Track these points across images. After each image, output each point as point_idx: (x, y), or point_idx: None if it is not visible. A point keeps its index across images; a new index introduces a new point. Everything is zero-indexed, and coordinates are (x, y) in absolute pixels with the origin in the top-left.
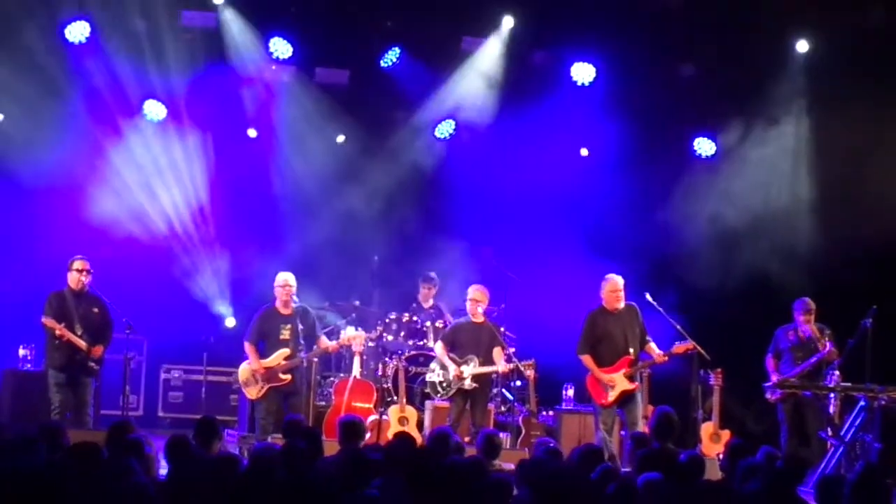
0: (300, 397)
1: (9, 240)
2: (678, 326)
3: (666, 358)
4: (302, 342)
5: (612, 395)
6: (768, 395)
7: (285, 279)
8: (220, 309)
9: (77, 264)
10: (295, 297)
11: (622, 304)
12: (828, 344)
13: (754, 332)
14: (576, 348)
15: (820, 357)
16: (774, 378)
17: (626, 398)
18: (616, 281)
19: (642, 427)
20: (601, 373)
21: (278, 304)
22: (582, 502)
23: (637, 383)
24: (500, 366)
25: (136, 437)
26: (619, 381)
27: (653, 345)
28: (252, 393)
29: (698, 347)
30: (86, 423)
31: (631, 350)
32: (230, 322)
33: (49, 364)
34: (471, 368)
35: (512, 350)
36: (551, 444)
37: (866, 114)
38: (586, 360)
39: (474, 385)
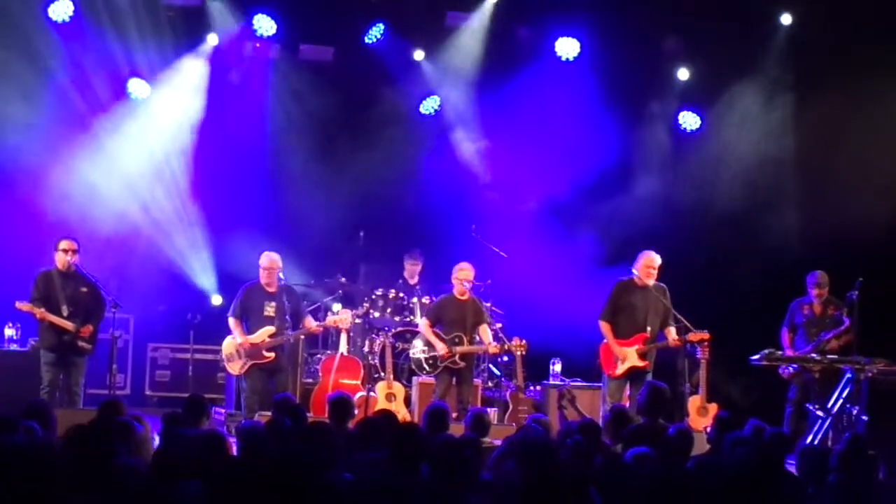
0: (286, 374)
1: None
2: (679, 316)
3: (680, 343)
4: (288, 320)
5: (620, 368)
6: (781, 372)
7: (272, 260)
8: (206, 287)
9: (63, 244)
10: (281, 275)
11: (652, 281)
12: (846, 320)
13: (741, 305)
14: (600, 313)
15: (836, 333)
16: (789, 353)
17: (635, 375)
18: (654, 258)
19: None
20: (615, 344)
21: (262, 281)
22: (569, 477)
23: (648, 362)
24: (490, 346)
25: (124, 420)
26: (630, 356)
27: (672, 329)
28: (235, 368)
29: (692, 338)
30: (76, 403)
31: (649, 328)
32: (216, 300)
33: (40, 344)
34: (458, 348)
35: (499, 325)
36: (543, 418)
37: (851, 86)
38: (604, 327)
39: (461, 363)
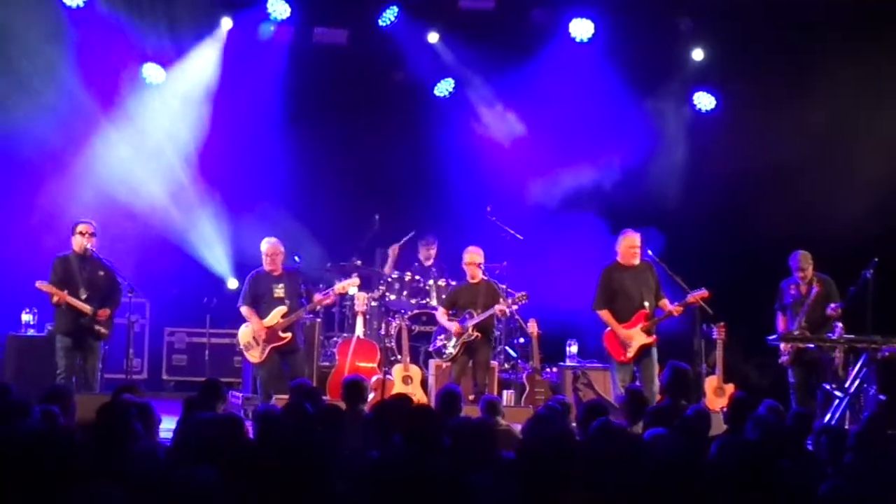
0: (301, 355)
1: (10, 205)
2: (679, 279)
3: (681, 309)
4: (298, 300)
5: (631, 351)
6: (781, 360)
7: (273, 245)
8: (221, 271)
9: (80, 227)
10: (296, 258)
11: (637, 260)
12: (813, 288)
13: (757, 285)
14: (592, 304)
15: (808, 306)
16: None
17: (641, 354)
18: (634, 237)
19: (657, 384)
20: (620, 328)
21: (267, 266)
22: (583, 459)
23: (654, 337)
24: (498, 307)
25: (142, 401)
26: (636, 336)
27: (665, 301)
28: (255, 356)
29: (701, 302)
30: (92, 388)
31: (646, 304)
32: (232, 283)
33: (56, 329)
34: (469, 322)
35: (515, 307)
36: (563, 399)
37: (866, 63)
38: (605, 315)
39: (476, 335)
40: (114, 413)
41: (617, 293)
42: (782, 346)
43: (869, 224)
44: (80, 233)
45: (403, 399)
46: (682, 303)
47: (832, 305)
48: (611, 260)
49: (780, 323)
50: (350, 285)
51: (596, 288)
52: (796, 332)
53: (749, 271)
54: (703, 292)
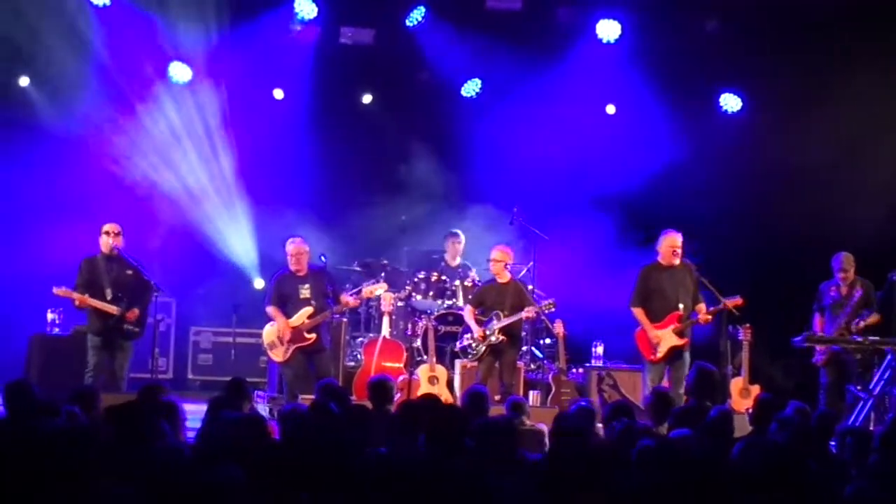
0: (326, 355)
1: (38, 203)
2: (713, 288)
3: (710, 318)
4: (325, 300)
5: (661, 352)
6: (815, 360)
7: (299, 246)
8: (248, 270)
9: (107, 227)
10: (323, 258)
11: (678, 261)
12: (857, 292)
13: (783, 287)
14: (629, 301)
15: (851, 308)
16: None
17: (673, 355)
18: (675, 237)
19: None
20: (652, 328)
21: (292, 267)
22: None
23: (686, 339)
24: (526, 312)
25: (168, 400)
26: (667, 337)
27: (702, 305)
28: (278, 355)
29: (727, 305)
30: (119, 388)
31: (681, 306)
32: (258, 283)
33: (88, 328)
34: (496, 324)
35: (551, 301)
36: (586, 405)
37: (891, 65)
38: (638, 313)
39: (501, 338)
40: (137, 411)
41: (653, 292)
42: (818, 346)
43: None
44: (106, 232)
45: (431, 399)
46: (715, 308)
47: (856, 320)
48: (651, 259)
49: (817, 323)
50: (378, 289)
51: (634, 285)
52: (836, 334)
53: (775, 273)
54: (738, 300)
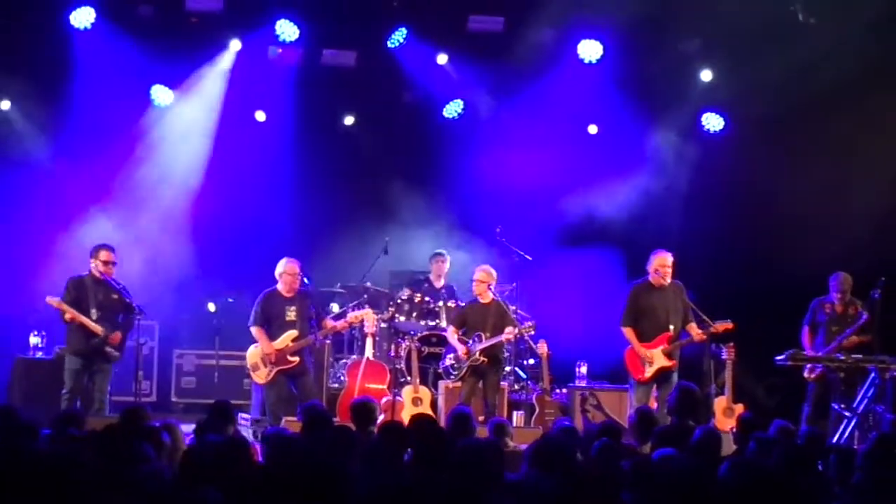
0: (309, 377)
1: (20, 226)
2: (700, 312)
3: (705, 336)
4: (309, 323)
5: (649, 371)
6: (806, 374)
7: (294, 267)
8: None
9: (103, 254)
10: (305, 279)
11: (668, 281)
12: (863, 314)
13: (767, 306)
14: (619, 320)
15: (855, 328)
16: (810, 353)
17: (662, 376)
18: (665, 257)
19: None
20: (641, 347)
21: (281, 288)
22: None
23: (674, 361)
24: (506, 334)
25: (151, 425)
26: (657, 358)
27: (694, 325)
28: (260, 377)
29: (717, 328)
30: (101, 410)
31: (671, 327)
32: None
33: (68, 349)
34: (477, 346)
35: (531, 324)
36: (566, 423)
37: (875, 85)
38: (628, 332)
39: (483, 359)
40: (120, 435)
41: (643, 312)
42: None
43: (878, 244)
44: (103, 261)
45: (421, 419)
46: (705, 331)
47: (842, 337)
48: (642, 279)
49: (806, 339)
50: (363, 316)
51: (624, 305)
52: (834, 352)
53: (758, 292)
54: (728, 323)
